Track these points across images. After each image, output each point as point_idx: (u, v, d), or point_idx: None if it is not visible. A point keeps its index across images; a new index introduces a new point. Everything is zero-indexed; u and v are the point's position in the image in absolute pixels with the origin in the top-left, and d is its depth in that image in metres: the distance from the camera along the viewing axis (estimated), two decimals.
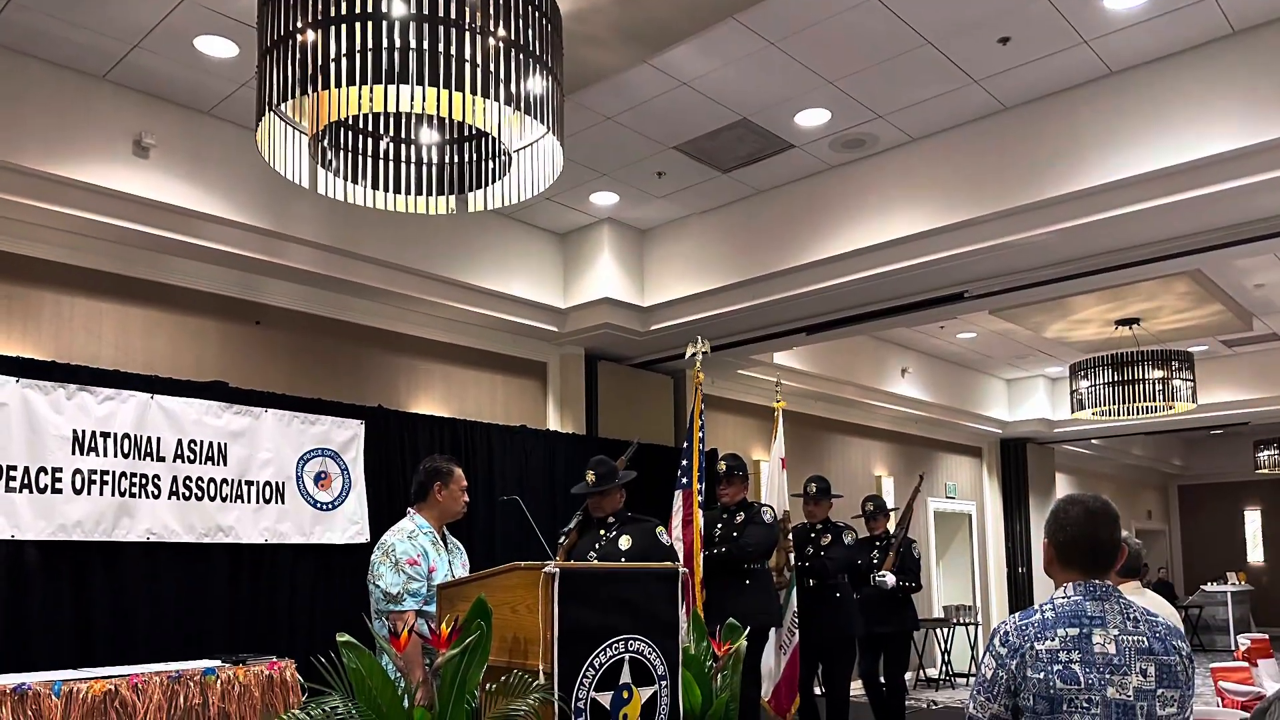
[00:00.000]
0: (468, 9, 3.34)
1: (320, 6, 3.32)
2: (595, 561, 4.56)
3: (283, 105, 3.57)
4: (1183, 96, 5.16)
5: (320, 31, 3.31)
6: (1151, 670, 2.12)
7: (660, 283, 7.58)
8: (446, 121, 4.05)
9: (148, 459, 5.26)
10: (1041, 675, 2.12)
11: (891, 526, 7.39)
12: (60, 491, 4.92)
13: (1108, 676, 2.11)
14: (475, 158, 4.14)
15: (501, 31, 3.43)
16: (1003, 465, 13.90)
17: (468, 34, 3.34)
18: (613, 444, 6.96)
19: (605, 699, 3.36)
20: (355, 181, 4.03)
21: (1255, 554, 19.31)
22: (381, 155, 4.07)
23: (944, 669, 11.65)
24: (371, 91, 3.50)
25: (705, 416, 6.19)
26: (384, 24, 3.28)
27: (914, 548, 7.08)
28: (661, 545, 4.63)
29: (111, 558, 5.07)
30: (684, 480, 5.89)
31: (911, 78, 5.45)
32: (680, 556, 5.34)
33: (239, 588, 5.55)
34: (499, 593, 3.36)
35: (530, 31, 3.54)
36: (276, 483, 5.78)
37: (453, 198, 4.18)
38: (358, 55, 3.28)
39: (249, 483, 5.66)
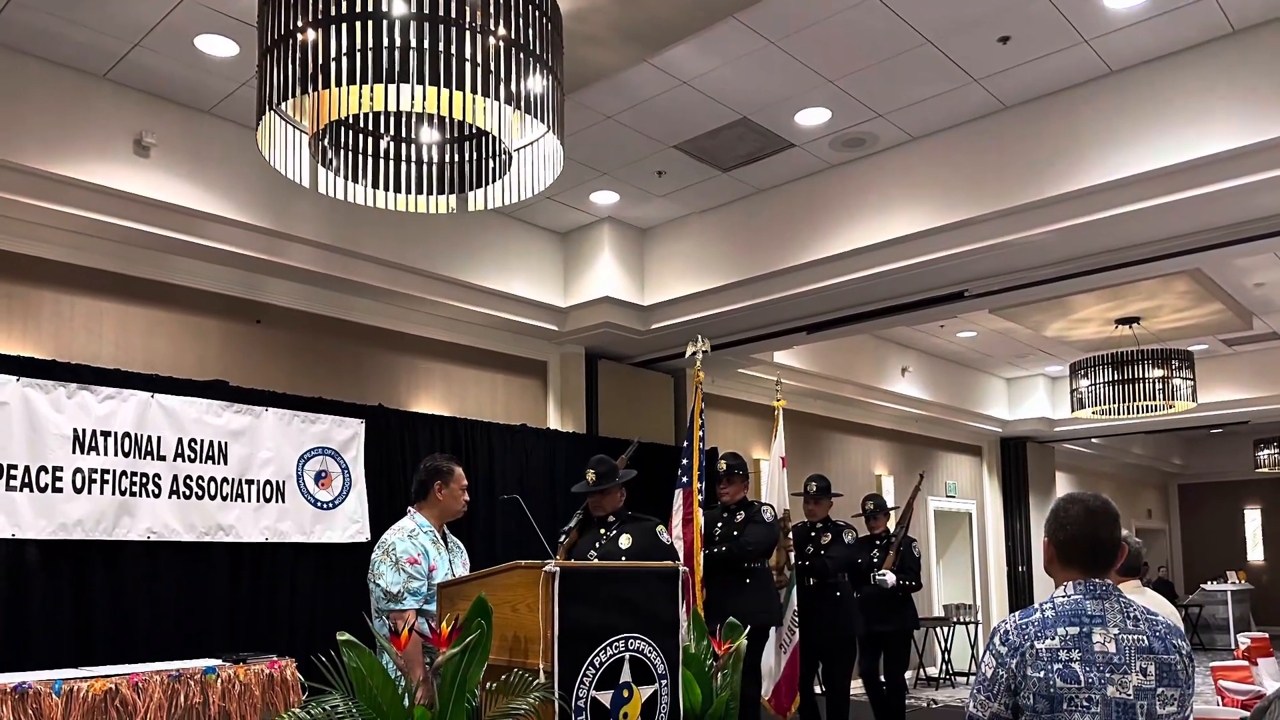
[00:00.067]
0: (468, 8, 3.34)
1: (320, 6, 3.32)
2: (595, 560, 4.56)
3: (283, 104, 3.57)
4: (1183, 95, 5.16)
5: (321, 31, 3.31)
6: (1152, 669, 2.13)
7: (660, 282, 7.59)
8: (447, 121, 4.05)
9: (148, 458, 5.26)
10: (1042, 674, 2.12)
11: (891, 525, 7.39)
12: (61, 490, 4.92)
13: (1108, 675, 2.11)
14: (476, 157, 4.15)
15: (502, 30, 3.43)
16: (1003, 464, 13.91)
17: (468, 33, 3.35)
18: (613, 443, 6.96)
19: (605, 698, 3.36)
20: (356, 181, 4.04)
21: (1255, 553, 19.32)
22: (382, 154, 4.08)
23: (944, 668, 11.65)
24: (372, 90, 3.50)
25: (705, 415, 6.19)
26: (384, 23, 3.28)
27: (914, 546, 7.08)
28: (662, 544, 4.63)
29: (112, 557, 5.07)
30: (684, 479, 5.89)
31: (911, 77, 5.45)
32: (680, 555, 5.34)
33: (239, 587, 5.56)
34: (499, 591, 3.36)
35: (530, 30, 3.54)
36: (277, 482, 5.79)
37: (453, 197, 4.18)
38: (358, 54, 3.28)
39: (249, 482, 5.66)
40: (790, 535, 6.32)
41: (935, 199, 6.06)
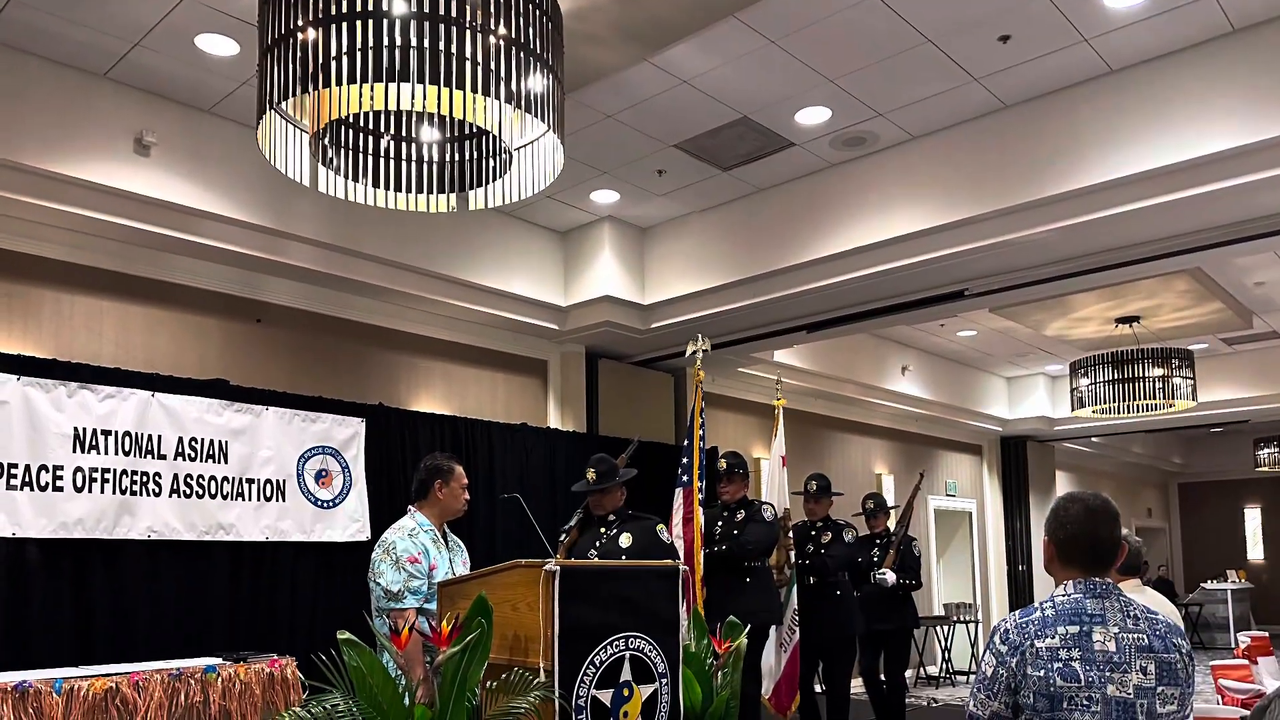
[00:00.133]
0: (468, 7, 3.34)
1: (321, 5, 3.32)
2: (596, 559, 4.56)
3: (284, 103, 3.57)
4: (1183, 94, 5.16)
5: (321, 30, 3.32)
6: (1152, 668, 2.13)
7: (661, 280, 7.59)
8: (447, 119, 4.05)
9: (149, 457, 5.26)
10: (1042, 673, 2.13)
11: (892, 524, 7.40)
12: (61, 489, 4.92)
13: (1108, 674, 2.11)
14: (476, 156, 4.15)
15: (502, 29, 3.43)
16: (1003, 463, 13.91)
17: (468, 32, 3.35)
18: (613, 442, 6.95)
19: (606, 697, 3.36)
20: (356, 179, 4.04)
21: (1255, 552, 19.32)
22: (382, 153, 4.08)
23: (944, 667, 11.65)
24: (372, 89, 3.51)
25: (706, 414, 6.19)
26: (384, 22, 3.29)
27: (914, 545, 7.08)
28: (662, 543, 4.63)
29: (112, 556, 5.07)
30: (684, 478, 5.89)
31: (912, 76, 5.45)
32: (681, 554, 5.34)
33: (240, 585, 5.56)
34: (500, 590, 3.36)
35: (531, 29, 3.54)
36: (277, 480, 5.79)
37: (453, 196, 4.18)
38: (358, 53, 3.29)
39: (250, 480, 5.67)
40: (790, 534, 6.32)
41: (935, 198, 6.06)
